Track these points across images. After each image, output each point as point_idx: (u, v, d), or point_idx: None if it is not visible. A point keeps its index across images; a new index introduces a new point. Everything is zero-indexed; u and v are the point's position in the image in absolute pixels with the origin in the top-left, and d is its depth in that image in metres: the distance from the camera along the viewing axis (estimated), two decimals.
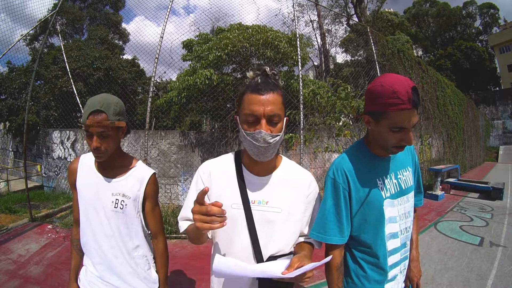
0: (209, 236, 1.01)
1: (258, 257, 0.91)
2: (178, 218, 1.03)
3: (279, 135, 0.87)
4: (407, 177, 1.10)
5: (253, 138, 0.85)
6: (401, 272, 1.09)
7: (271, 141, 0.85)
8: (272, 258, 0.92)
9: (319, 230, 1.00)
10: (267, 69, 0.92)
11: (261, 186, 0.96)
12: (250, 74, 0.93)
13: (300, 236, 1.03)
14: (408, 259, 1.12)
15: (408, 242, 1.10)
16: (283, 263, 0.84)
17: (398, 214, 1.04)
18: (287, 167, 1.03)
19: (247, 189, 0.95)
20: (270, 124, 0.86)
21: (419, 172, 1.20)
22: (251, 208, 0.93)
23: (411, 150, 1.17)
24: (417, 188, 1.18)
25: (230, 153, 1.05)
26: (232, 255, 0.93)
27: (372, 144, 1.05)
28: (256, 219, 0.92)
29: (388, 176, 1.04)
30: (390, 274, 1.04)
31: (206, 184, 0.99)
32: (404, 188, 1.07)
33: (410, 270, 1.17)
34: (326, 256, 1.03)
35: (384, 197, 1.01)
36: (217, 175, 0.99)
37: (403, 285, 1.13)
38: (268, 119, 0.85)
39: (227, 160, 1.03)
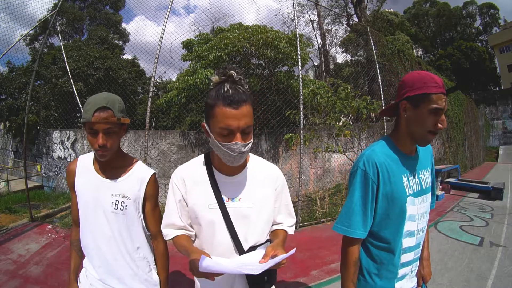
0: (192, 239, 1.05)
1: (240, 250, 0.97)
2: (162, 226, 1.06)
3: (250, 142, 0.93)
4: (427, 177, 1.12)
5: (229, 149, 0.89)
6: (411, 272, 1.09)
7: (244, 150, 0.91)
8: (251, 248, 0.98)
9: (344, 222, 1.02)
10: (234, 74, 0.89)
11: (232, 185, 1.02)
12: (215, 78, 0.91)
13: (273, 224, 1.10)
14: (418, 260, 1.13)
15: (422, 243, 1.11)
16: (259, 253, 0.90)
17: (417, 213, 1.06)
18: (255, 163, 1.08)
19: (220, 189, 1.00)
20: (244, 136, 0.90)
21: (434, 174, 1.21)
22: (226, 206, 0.98)
23: (430, 151, 1.19)
24: (431, 189, 1.19)
25: (200, 155, 1.09)
26: (215, 252, 0.95)
27: (401, 139, 1.06)
28: (232, 215, 0.98)
29: (412, 174, 1.06)
30: (401, 272, 1.05)
31: (181, 190, 1.02)
32: (424, 187, 1.09)
33: (423, 268, 1.20)
34: (344, 250, 1.05)
35: (407, 194, 1.02)
36: (190, 180, 1.03)
37: (414, 283, 1.13)
38: (242, 132, 0.89)
39: (198, 164, 1.06)
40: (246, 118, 0.89)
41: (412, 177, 1.06)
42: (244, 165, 1.05)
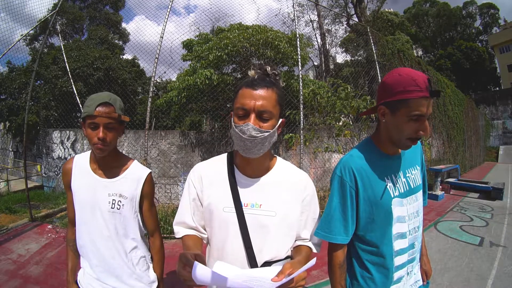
0: (205, 242, 0.99)
1: (252, 263, 0.88)
2: (174, 223, 1.01)
3: (268, 132, 0.84)
4: (415, 175, 1.08)
5: (241, 131, 0.83)
6: (408, 274, 1.06)
7: (257, 135, 0.83)
8: (267, 264, 0.88)
9: (324, 228, 0.99)
10: (268, 68, 0.91)
11: (253, 188, 0.93)
12: (251, 72, 0.93)
13: (297, 239, 0.99)
14: (415, 261, 1.10)
15: (416, 243, 1.07)
16: (276, 269, 0.79)
17: (407, 213, 1.03)
18: (282, 168, 0.99)
19: (239, 192, 0.91)
20: (260, 120, 0.84)
21: (425, 171, 1.18)
22: (244, 212, 0.89)
23: (419, 147, 1.14)
24: (422, 187, 1.16)
25: (224, 154, 1.02)
26: (225, 261, 0.88)
27: (382, 141, 1.02)
28: (249, 223, 0.89)
29: (397, 174, 1.03)
30: (396, 275, 1.02)
31: (197, 188, 0.96)
32: (412, 187, 1.06)
33: (424, 264, 1.19)
34: (329, 255, 1.03)
35: (392, 196, 0.99)
36: (208, 178, 0.96)
37: (411, 284, 1.10)
38: (258, 114, 0.84)
39: (219, 161, 1.00)
40: (263, 100, 0.84)
41: (397, 177, 1.02)
42: (268, 168, 0.96)
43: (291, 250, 0.98)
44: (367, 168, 0.99)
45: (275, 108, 0.87)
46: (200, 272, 0.67)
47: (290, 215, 0.93)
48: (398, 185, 1.01)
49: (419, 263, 1.14)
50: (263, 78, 0.89)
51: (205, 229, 0.98)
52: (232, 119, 0.89)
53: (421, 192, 1.10)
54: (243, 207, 0.90)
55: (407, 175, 1.05)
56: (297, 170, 1.01)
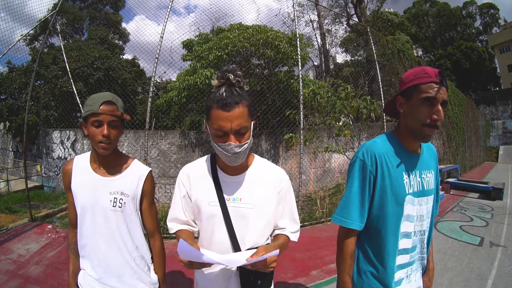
0: (195, 235, 1.09)
1: (237, 250, 0.98)
2: (167, 220, 1.10)
3: (247, 142, 0.94)
4: (430, 178, 1.09)
5: (224, 149, 0.92)
6: (407, 277, 1.05)
7: (239, 150, 0.92)
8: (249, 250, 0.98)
9: (343, 213, 1.02)
10: (231, 76, 0.94)
11: (234, 185, 1.03)
12: (215, 82, 0.97)
13: (275, 229, 1.10)
14: (414, 265, 1.08)
15: (419, 246, 1.07)
16: (251, 252, 0.89)
17: (416, 214, 1.02)
18: (259, 165, 1.09)
19: (222, 188, 1.02)
20: (238, 136, 0.92)
21: (438, 180, 1.16)
22: (227, 205, 1.00)
23: (434, 154, 1.17)
24: (435, 195, 1.13)
25: (207, 155, 1.13)
26: (212, 250, 0.97)
27: (403, 134, 1.04)
28: (231, 215, 1.00)
29: (413, 172, 1.03)
30: (396, 275, 1.01)
31: (186, 186, 1.07)
32: (426, 189, 1.05)
33: (428, 279, 1.16)
34: (340, 242, 1.05)
35: (407, 192, 1.00)
36: (195, 177, 1.07)
37: (419, 287, 1.08)
38: (235, 133, 0.91)
39: (203, 163, 1.10)
40: (238, 119, 0.90)
41: (413, 175, 1.02)
42: (247, 166, 1.06)
43: (271, 239, 1.09)
44: (388, 157, 1.01)
45: (248, 120, 0.94)
46: (183, 248, 0.79)
47: (267, 207, 1.03)
48: (413, 182, 1.02)
49: (420, 270, 1.12)
50: (231, 94, 0.91)
51: (195, 223, 1.09)
52: (210, 134, 0.96)
53: (432, 196, 1.09)
54: (226, 201, 1.01)
55: (423, 175, 1.06)
56: (273, 166, 1.12)
